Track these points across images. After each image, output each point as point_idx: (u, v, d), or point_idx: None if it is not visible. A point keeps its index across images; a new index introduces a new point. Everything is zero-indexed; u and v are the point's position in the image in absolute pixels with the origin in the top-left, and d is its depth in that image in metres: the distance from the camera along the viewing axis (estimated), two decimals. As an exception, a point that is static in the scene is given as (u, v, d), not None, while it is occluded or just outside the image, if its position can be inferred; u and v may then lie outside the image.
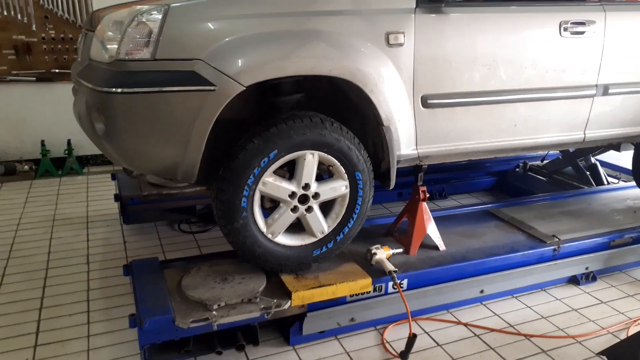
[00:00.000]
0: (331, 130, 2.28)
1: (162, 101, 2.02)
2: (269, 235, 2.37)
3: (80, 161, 5.24)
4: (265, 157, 2.20)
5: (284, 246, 2.42)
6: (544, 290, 3.11)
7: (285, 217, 2.37)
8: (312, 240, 2.47)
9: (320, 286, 2.40)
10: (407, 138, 2.49)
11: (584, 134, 2.96)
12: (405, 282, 2.62)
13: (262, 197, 2.34)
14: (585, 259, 3.11)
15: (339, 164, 2.36)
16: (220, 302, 2.25)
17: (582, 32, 2.75)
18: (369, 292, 2.54)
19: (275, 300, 2.29)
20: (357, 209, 2.48)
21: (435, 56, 2.43)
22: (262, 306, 2.28)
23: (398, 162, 2.52)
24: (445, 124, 2.56)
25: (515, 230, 3.16)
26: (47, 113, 5.10)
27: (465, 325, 2.76)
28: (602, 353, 2.18)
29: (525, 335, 2.68)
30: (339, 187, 2.41)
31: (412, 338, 2.34)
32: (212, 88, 2.03)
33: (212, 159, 2.25)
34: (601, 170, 4.25)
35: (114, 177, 4.01)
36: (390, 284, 2.57)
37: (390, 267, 2.56)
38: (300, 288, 2.37)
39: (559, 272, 3.07)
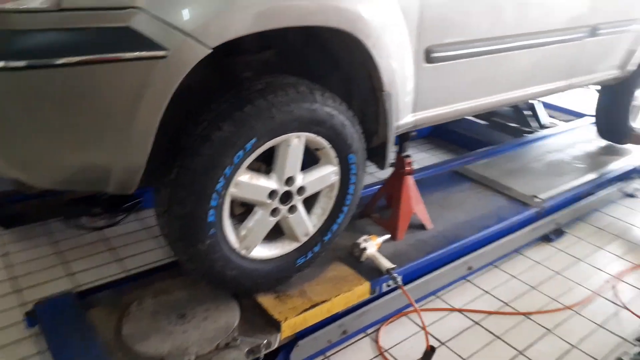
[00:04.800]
0: (323, 104, 1.65)
1: (79, 79, 1.23)
2: (243, 252, 1.73)
3: None
4: (239, 149, 1.52)
5: (261, 261, 1.81)
6: (521, 254, 2.86)
7: (263, 224, 1.74)
8: (294, 246, 1.88)
9: (312, 306, 1.85)
10: (405, 104, 1.94)
11: (569, 81, 2.63)
12: (399, 278, 2.15)
13: (231, 202, 1.67)
14: (558, 216, 2.90)
15: (329, 146, 1.76)
16: (189, 356, 1.61)
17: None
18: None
19: (265, 341, 1.69)
20: (348, 200, 1.92)
21: (443, -5, 1.86)
22: (246, 349, 1.68)
23: (392, 133, 1.97)
24: (446, 82, 2.05)
25: (492, 192, 2.83)
26: None
27: (460, 311, 2.41)
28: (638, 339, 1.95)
29: (524, 314, 2.40)
30: (328, 176, 1.82)
31: (430, 352, 1.92)
32: (161, 54, 1.27)
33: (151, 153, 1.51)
34: (540, 111, 4.08)
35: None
36: (385, 283, 2.09)
37: (387, 263, 2.07)
38: (289, 313, 1.80)
39: (537, 233, 2.83)
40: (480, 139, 3.94)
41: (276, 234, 1.84)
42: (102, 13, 1.23)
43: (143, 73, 1.28)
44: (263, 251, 1.80)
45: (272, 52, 1.77)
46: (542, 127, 4.12)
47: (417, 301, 2.38)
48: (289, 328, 1.78)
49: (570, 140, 3.63)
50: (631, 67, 3.04)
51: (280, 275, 1.87)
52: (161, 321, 1.74)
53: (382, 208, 2.50)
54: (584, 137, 3.67)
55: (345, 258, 2.14)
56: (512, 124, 4.06)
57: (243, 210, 1.75)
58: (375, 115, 1.88)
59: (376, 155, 1.98)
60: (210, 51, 1.34)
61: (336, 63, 1.91)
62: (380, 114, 1.85)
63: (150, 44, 1.26)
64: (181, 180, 1.50)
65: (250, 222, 1.71)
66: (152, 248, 2.76)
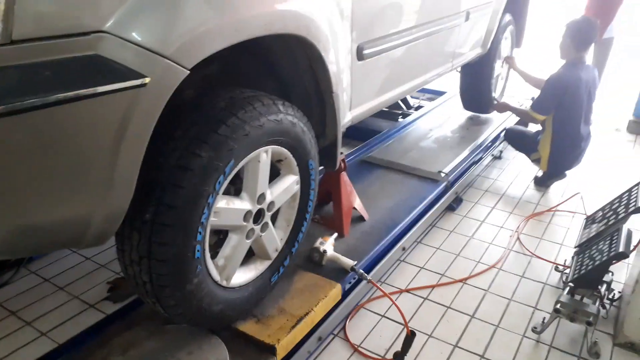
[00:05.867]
0: (286, 113, 1.60)
1: (45, 124, 1.02)
2: (224, 282, 1.61)
3: None
4: (220, 174, 1.41)
5: (240, 287, 1.70)
6: (435, 226, 3.09)
7: (240, 249, 1.63)
8: (267, 264, 1.80)
9: (298, 321, 1.79)
10: (344, 102, 1.96)
11: (452, 62, 2.89)
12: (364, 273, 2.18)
13: (206, 232, 1.54)
14: (458, 185, 3.18)
15: (291, 155, 1.71)
16: (197, 408, 1.46)
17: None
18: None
19: (271, 370, 1.60)
20: (309, 206, 1.89)
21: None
22: (251, 383, 1.57)
23: (332, 133, 1.98)
24: (373, 77, 2.12)
25: (402, 175, 3.01)
26: None
27: (407, 291, 2.53)
28: (571, 281, 2.23)
29: (461, 281, 2.61)
30: (291, 186, 1.77)
31: (410, 337, 1.98)
32: (140, 82, 1.12)
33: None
34: (407, 93, 4.39)
35: None
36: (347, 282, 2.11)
37: (349, 262, 2.09)
38: (279, 334, 1.73)
39: (445, 204, 3.07)
40: (361, 127, 4.11)
41: (245, 256, 1.74)
42: (64, 42, 1.04)
43: (124, 106, 1.11)
44: (240, 277, 1.70)
45: (216, 65, 1.66)
46: (411, 108, 4.46)
47: (370, 291, 2.45)
48: (283, 349, 1.71)
49: (442, 116, 3.99)
50: (489, 44, 3.44)
51: (259, 297, 1.78)
52: (146, 379, 1.55)
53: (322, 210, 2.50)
54: (453, 112, 4.06)
55: (304, 265, 2.11)
56: (385, 109, 4.31)
57: (216, 239, 1.63)
58: (321, 117, 1.88)
59: (324, 157, 1.98)
60: (188, 72, 1.22)
61: (271, 71, 1.86)
62: (328, 115, 1.85)
63: (128, 73, 1.10)
64: (162, 219, 1.34)
65: (227, 249, 1.60)
66: (62, 302, 2.41)
